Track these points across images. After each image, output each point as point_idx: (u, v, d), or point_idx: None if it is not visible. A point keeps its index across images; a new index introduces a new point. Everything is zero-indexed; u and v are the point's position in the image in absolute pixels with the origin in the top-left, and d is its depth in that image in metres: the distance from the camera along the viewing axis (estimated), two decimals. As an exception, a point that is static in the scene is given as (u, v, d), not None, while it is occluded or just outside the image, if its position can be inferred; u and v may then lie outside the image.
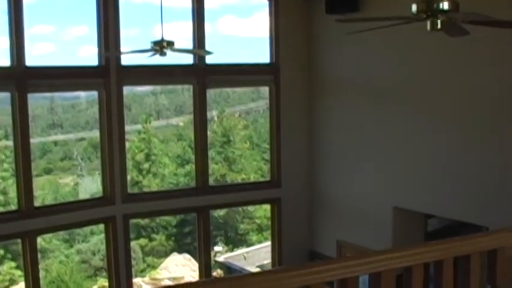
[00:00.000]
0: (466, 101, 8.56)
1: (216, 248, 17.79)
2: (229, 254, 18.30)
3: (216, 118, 18.27)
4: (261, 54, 10.98)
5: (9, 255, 16.29)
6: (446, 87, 8.78)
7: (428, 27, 4.41)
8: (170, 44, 7.63)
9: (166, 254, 18.97)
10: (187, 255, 18.42)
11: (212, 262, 12.22)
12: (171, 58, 8.07)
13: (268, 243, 12.14)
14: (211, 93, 11.58)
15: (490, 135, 8.27)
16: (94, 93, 9.89)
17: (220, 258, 17.27)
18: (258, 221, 19.48)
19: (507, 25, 4.62)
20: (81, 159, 18.68)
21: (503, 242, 2.36)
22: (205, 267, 10.53)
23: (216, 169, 17.46)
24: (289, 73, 10.74)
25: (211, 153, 12.08)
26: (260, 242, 18.72)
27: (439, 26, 4.39)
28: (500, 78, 8.11)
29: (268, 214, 12.22)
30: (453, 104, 8.70)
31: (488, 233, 2.35)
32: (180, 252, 18.84)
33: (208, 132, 11.07)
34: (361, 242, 9.73)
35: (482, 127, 8.35)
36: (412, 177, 9.29)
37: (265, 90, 11.47)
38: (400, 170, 9.47)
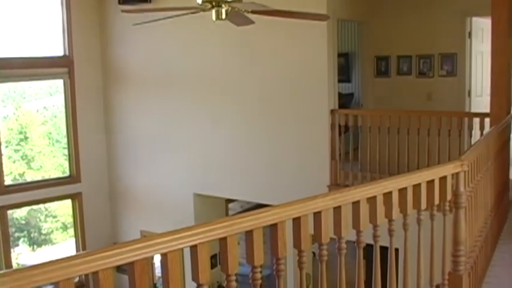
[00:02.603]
0: (257, 89, 8.91)
1: (18, 250, 16.95)
2: (32, 255, 17.53)
3: (12, 114, 17.43)
4: (54, 47, 10.63)
5: None
6: (239, 77, 9.08)
7: (214, 17, 4.54)
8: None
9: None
10: (-14, 259, 17.39)
11: (14, 264, 11.67)
12: None
13: (73, 240, 11.84)
14: (4, 88, 11.01)
15: (283, 121, 8.69)
16: None
17: (23, 260, 16.50)
18: (62, 219, 18.86)
19: (286, 15, 4.89)
20: None
21: (283, 217, 2.54)
22: (6, 269, 10.04)
23: (14, 168, 16.69)
24: (83, 65, 10.54)
25: (7, 151, 11.47)
26: (65, 240, 18.15)
27: (223, 16, 4.54)
28: (290, 67, 8.56)
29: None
30: (247, 91, 9.01)
31: (269, 209, 2.50)
32: (-23, 257, 17.73)
33: (3, 130, 10.55)
34: (165, 230, 9.81)
35: (276, 113, 8.75)
36: (210, 163, 9.51)
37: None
38: (198, 157, 9.66)
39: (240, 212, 10.96)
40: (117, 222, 11.12)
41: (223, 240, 2.33)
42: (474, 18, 8.91)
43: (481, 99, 9.01)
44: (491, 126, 6.40)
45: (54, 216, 19.11)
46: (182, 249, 2.19)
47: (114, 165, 10.96)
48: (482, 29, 9.06)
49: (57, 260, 1.85)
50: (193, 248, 2.23)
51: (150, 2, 9.54)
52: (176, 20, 5.37)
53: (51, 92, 11.92)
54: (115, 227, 11.13)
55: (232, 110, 9.23)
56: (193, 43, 9.46)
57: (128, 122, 10.60)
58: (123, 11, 5.93)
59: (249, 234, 2.42)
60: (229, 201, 10.78)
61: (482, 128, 7.11)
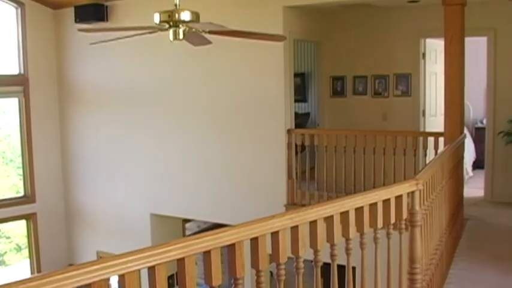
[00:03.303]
0: (214, 109, 8.92)
1: (-32, 273, 16.56)
2: (-17, 277, 17.12)
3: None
4: (10, 65, 10.49)
5: None
6: (195, 96, 9.08)
7: (171, 37, 4.54)
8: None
9: None
10: None
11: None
12: None
13: (28, 261, 11.61)
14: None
15: (240, 141, 8.71)
16: None
17: (-27, 283, 16.09)
18: (16, 240, 18.52)
19: (243, 35, 4.92)
20: None
21: (240, 237, 2.54)
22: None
23: (-35, 189, 16.38)
24: (38, 84, 10.44)
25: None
26: (19, 261, 17.81)
27: (181, 36, 4.54)
28: (247, 87, 8.59)
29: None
30: (203, 111, 9.02)
31: (226, 229, 2.50)
32: None
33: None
34: (122, 251, 9.71)
35: (232, 132, 8.77)
36: (166, 183, 9.46)
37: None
38: (154, 177, 9.61)
39: (197, 232, 10.92)
40: (73, 243, 10.96)
41: (180, 261, 2.32)
42: (428, 40, 9.09)
43: (435, 119, 9.17)
44: (445, 145, 6.51)
45: (8, 237, 18.75)
46: (139, 270, 2.17)
47: (70, 184, 10.82)
48: (435, 50, 9.25)
49: (10, 283, 1.82)
50: (151, 269, 2.22)
51: (107, 21, 9.52)
52: (133, 38, 5.36)
53: (4, 111, 11.74)
54: (71, 248, 10.97)
55: (188, 129, 9.21)
56: (150, 62, 9.44)
57: (84, 141, 10.50)
58: (79, 30, 5.88)
59: (206, 254, 2.42)
60: (186, 221, 10.73)
61: (436, 147, 7.22)
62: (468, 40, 7.17)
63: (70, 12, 9.82)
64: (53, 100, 10.67)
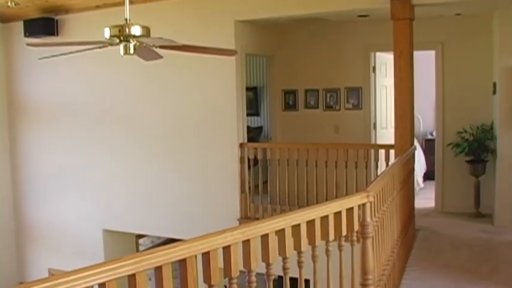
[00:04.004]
0: (165, 123, 8.89)
1: None
2: None
3: None
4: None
5: None
6: (146, 110, 9.04)
7: (122, 51, 4.51)
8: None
9: None
10: None
11: None
12: None
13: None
14: None
15: (192, 155, 8.69)
16: None
17: None
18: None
19: (194, 50, 4.91)
20: None
21: (192, 252, 2.53)
22: None
23: None
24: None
25: None
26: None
27: (131, 51, 4.50)
28: (198, 101, 8.59)
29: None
30: (155, 125, 8.97)
31: (177, 244, 2.49)
32: None
33: None
34: (74, 268, 9.56)
35: (184, 146, 8.74)
36: (119, 199, 9.38)
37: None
38: (106, 192, 9.52)
39: (150, 248, 10.81)
40: (23, 261, 10.74)
41: (132, 277, 2.29)
42: (378, 53, 9.24)
43: (386, 131, 9.30)
44: (396, 157, 6.60)
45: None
46: (91, 287, 2.14)
47: (20, 201, 10.62)
48: (385, 63, 9.40)
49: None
50: (102, 286, 2.19)
51: (58, 35, 9.41)
52: (84, 53, 5.30)
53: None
54: (22, 266, 10.75)
55: (140, 144, 9.15)
56: (101, 77, 9.36)
57: (35, 156, 10.32)
58: (28, 44, 5.80)
59: (158, 270, 2.40)
60: (139, 236, 10.63)
61: (387, 159, 7.32)
62: (417, 53, 7.31)
63: (19, 26, 9.67)
64: (2, 115, 10.46)
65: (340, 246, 3.58)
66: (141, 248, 10.77)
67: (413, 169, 7.05)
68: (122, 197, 9.38)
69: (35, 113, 10.22)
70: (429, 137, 11.74)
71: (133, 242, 10.46)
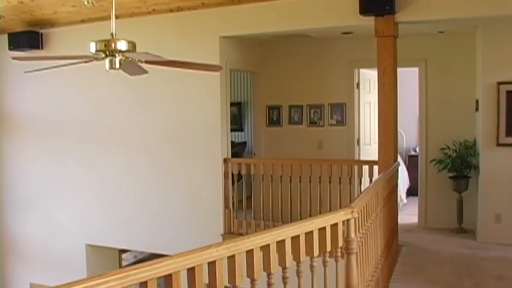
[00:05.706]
0: (149, 138, 8.88)
1: None
2: None
3: None
4: None
5: None
6: (131, 125, 9.02)
7: (107, 66, 4.50)
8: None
9: None
10: None
11: None
12: None
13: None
14: None
15: (175, 170, 8.68)
16: None
17: None
18: None
19: (180, 65, 4.93)
20: None
21: (177, 267, 2.53)
22: None
23: None
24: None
25: None
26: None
27: (117, 65, 4.50)
28: (183, 116, 8.59)
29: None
30: (139, 139, 8.96)
31: (163, 259, 2.48)
32: None
33: None
34: (57, 283, 9.48)
35: (168, 161, 8.73)
36: (102, 213, 9.34)
37: None
38: (89, 207, 9.47)
39: (134, 263, 10.80)
40: (5, 276, 10.63)
41: (117, 293, 2.28)
42: (362, 70, 9.30)
43: (369, 147, 9.35)
44: (379, 173, 6.63)
45: None
46: (74, 303, 2.13)
47: (2, 215, 10.52)
48: (369, 79, 9.46)
49: None
50: (86, 302, 2.18)
51: (43, 49, 9.38)
52: (68, 67, 5.29)
53: None
54: (2, 281, 10.64)
55: (124, 159, 9.13)
56: (85, 91, 9.34)
57: (18, 170, 10.25)
58: (13, 58, 5.77)
59: (143, 285, 2.39)
60: (122, 251, 10.57)
61: (371, 175, 7.34)
62: (401, 70, 7.37)
63: (4, 39, 9.63)
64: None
65: (324, 262, 3.59)
66: (124, 263, 10.71)
67: (396, 185, 7.09)
68: (105, 212, 9.33)
69: (18, 126, 10.17)
70: (412, 153, 11.80)
71: (116, 257, 10.39)
